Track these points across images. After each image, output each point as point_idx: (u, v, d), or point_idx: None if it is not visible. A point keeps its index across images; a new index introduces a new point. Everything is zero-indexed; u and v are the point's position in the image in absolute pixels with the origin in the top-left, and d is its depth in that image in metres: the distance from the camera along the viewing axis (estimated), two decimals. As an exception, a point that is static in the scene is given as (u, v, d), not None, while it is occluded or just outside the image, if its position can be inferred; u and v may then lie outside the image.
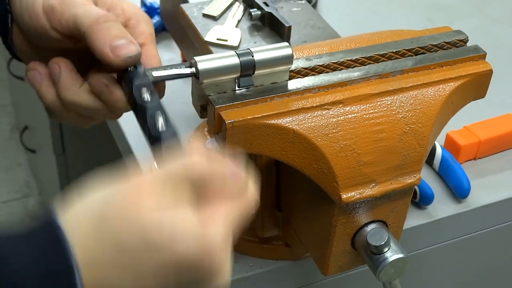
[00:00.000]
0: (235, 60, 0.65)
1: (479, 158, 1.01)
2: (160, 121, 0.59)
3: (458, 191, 0.93)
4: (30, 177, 2.47)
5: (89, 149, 1.68)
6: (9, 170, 2.51)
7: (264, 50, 0.67)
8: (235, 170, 0.54)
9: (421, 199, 0.91)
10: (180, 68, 0.66)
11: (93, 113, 0.67)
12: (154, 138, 0.58)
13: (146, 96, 0.61)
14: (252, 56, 0.66)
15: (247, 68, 0.66)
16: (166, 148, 0.57)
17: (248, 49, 0.66)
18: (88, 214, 0.49)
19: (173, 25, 0.95)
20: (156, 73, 0.65)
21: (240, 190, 0.53)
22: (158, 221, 0.48)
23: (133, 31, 0.68)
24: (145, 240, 0.48)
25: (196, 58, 0.65)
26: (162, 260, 0.48)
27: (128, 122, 0.73)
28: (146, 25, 0.69)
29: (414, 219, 0.91)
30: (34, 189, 2.43)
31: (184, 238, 0.49)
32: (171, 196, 0.50)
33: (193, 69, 0.65)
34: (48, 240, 0.48)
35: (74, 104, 0.66)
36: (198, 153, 0.53)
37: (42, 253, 0.47)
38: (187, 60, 0.88)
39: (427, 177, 0.96)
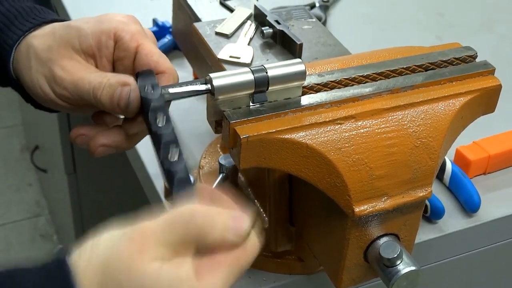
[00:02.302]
0: (250, 77, 0.67)
1: (489, 173, 1.01)
2: (172, 152, 0.61)
3: (469, 206, 0.94)
4: (40, 197, 2.48)
5: (100, 168, 1.69)
6: (19, 190, 2.52)
7: (278, 66, 0.68)
8: (238, 215, 0.55)
9: (432, 214, 0.92)
10: (196, 84, 0.67)
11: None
12: (166, 170, 0.61)
13: (161, 121, 0.63)
14: (266, 73, 0.67)
15: (261, 84, 0.67)
16: (177, 182, 0.59)
17: (262, 65, 0.67)
18: (95, 262, 0.52)
19: (186, 44, 0.97)
20: (172, 90, 0.66)
21: (241, 240, 0.54)
22: (157, 274, 0.50)
23: (122, 42, 0.71)
24: None
25: (212, 75, 0.66)
26: None
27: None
28: (132, 26, 0.72)
29: (425, 233, 0.92)
30: (45, 208, 2.44)
31: None
32: (172, 244, 0.52)
33: (209, 86, 0.66)
34: (59, 279, 0.50)
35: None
36: (203, 199, 0.55)
37: None
38: (200, 78, 0.90)
39: (437, 191, 0.96)
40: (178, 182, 0.59)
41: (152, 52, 0.70)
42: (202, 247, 0.53)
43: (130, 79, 0.67)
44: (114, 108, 0.67)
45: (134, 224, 0.53)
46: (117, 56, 0.72)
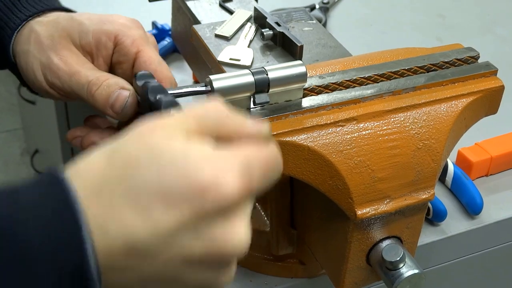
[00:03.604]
0: (250, 79, 0.66)
1: (491, 175, 1.01)
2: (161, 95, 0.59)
3: (471, 208, 0.94)
4: (40, 201, 2.47)
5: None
6: (19, 194, 2.51)
7: (278, 68, 0.67)
8: (254, 122, 0.49)
9: (434, 216, 0.92)
10: (196, 87, 0.67)
11: None
12: (152, 105, 0.58)
13: (160, 96, 0.62)
14: (267, 75, 0.67)
15: (262, 86, 0.67)
16: (165, 104, 0.56)
17: (263, 67, 0.67)
18: (97, 155, 0.46)
19: (185, 46, 0.96)
20: (171, 92, 0.66)
21: (260, 135, 0.49)
22: (170, 147, 0.45)
23: (123, 46, 0.71)
24: (155, 161, 0.44)
25: (212, 77, 0.66)
26: (173, 184, 0.44)
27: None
28: (134, 31, 0.72)
29: (427, 236, 0.91)
30: (45, 212, 2.43)
31: (198, 162, 0.44)
32: (187, 132, 0.46)
33: (209, 88, 0.66)
34: (50, 183, 0.44)
35: None
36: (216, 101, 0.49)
37: (46, 197, 0.44)
38: (199, 81, 0.89)
39: (439, 194, 0.96)
40: (165, 104, 0.54)
41: (151, 60, 0.71)
42: (220, 138, 0.47)
43: (128, 85, 0.67)
44: (106, 109, 0.66)
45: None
46: (117, 59, 0.72)
